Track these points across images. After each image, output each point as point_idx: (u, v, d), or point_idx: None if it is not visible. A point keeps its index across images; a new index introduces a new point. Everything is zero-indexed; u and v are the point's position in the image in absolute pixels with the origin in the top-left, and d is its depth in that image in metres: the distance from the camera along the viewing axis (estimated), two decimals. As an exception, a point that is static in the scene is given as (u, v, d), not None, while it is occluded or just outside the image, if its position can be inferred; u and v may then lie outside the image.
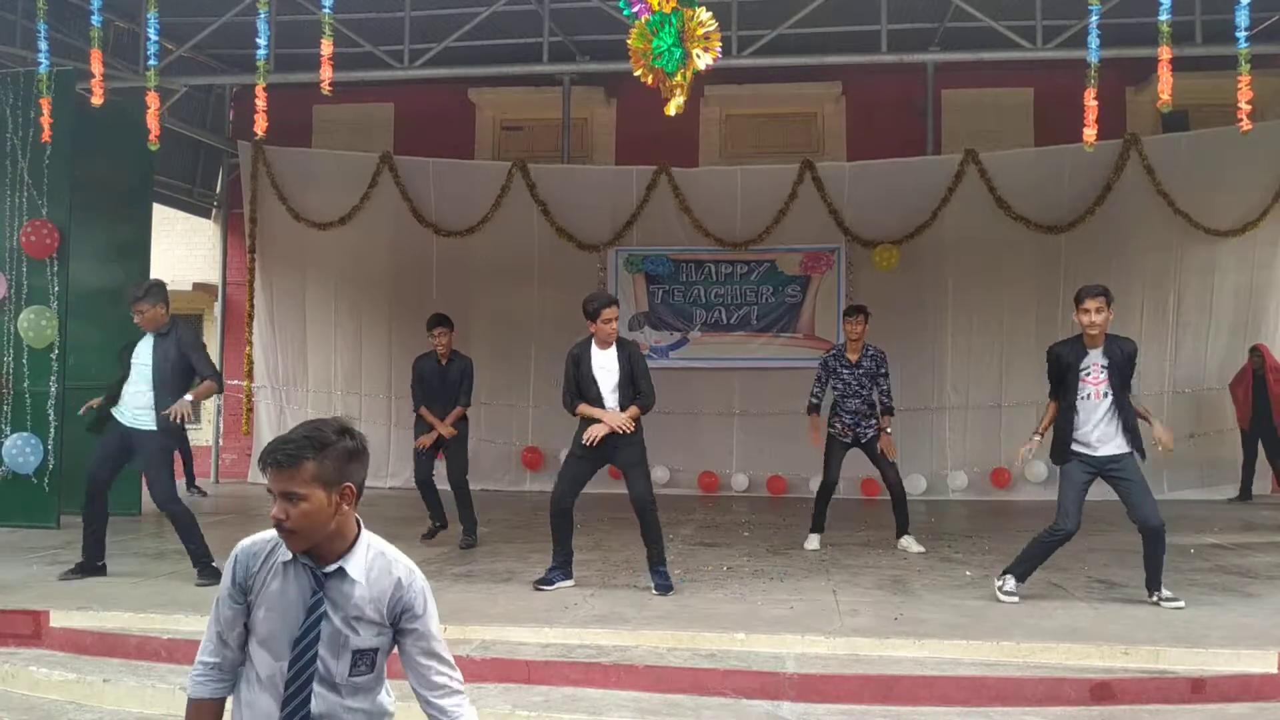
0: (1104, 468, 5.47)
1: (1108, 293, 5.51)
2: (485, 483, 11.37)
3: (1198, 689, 4.35)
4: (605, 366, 5.93)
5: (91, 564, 6.12)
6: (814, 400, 7.49)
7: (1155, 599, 5.45)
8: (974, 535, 8.11)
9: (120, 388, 6.09)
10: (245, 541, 2.26)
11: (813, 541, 7.45)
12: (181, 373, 6.03)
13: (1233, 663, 4.50)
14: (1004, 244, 10.77)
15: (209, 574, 5.90)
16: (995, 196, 10.68)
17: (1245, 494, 10.12)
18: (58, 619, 5.15)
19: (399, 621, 2.25)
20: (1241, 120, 5.92)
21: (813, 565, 6.77)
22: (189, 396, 5.97)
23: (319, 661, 2.17)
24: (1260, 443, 10.03)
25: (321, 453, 2.15)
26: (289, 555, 2.20)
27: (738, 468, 11.14)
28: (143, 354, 6.06)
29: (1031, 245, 10.72)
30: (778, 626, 5.00)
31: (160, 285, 6.23)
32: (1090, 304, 5.44)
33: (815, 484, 10.37)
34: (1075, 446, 5.50)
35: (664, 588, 5.80)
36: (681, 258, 11.40)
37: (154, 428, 5.98)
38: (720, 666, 4.53)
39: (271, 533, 2.22)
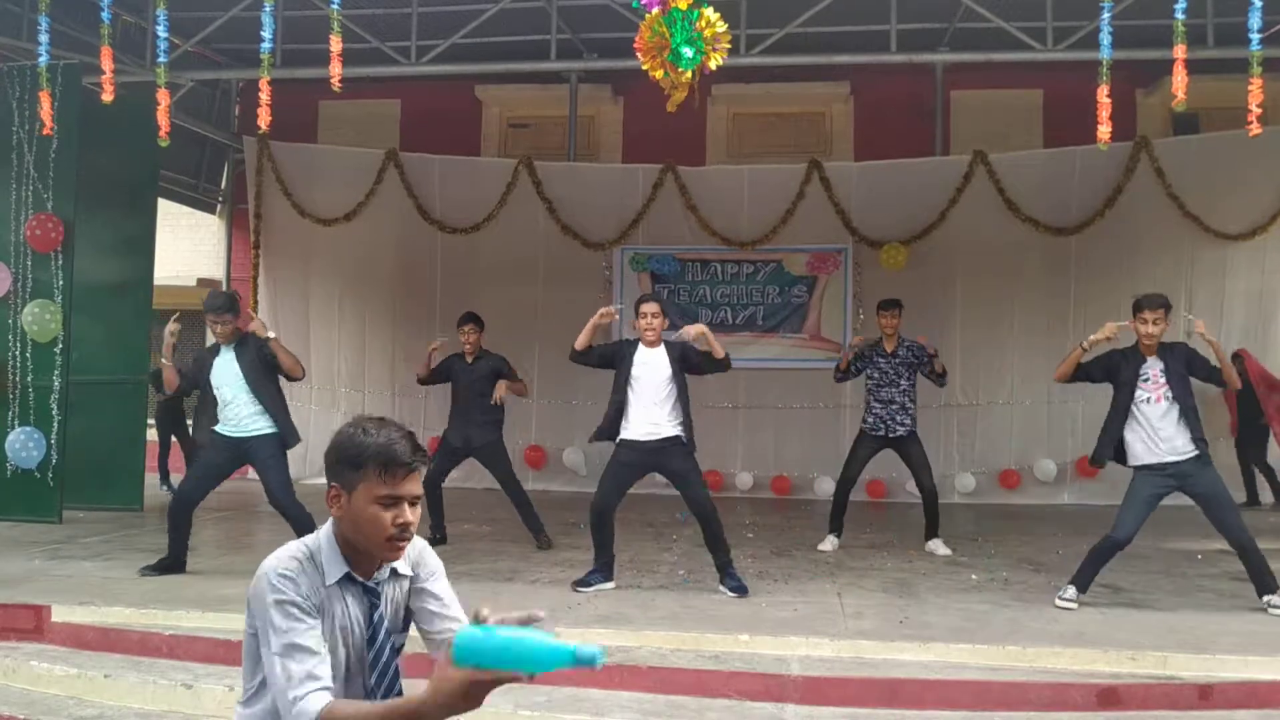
0: (1183, 482, 5.42)
1: (1168, 304, 5.51)
2: (488, 481, 11.32)
3: (1205, 696, 4.32)
4: (648, 363, 5.77)
5: (175, 560, 6.16)
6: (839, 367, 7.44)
7: (1266, 603, 5.41)
8: (980, 538, 8.07)
9: (212, 410, 6.20)
10: (285, 566, 2.01)
11: (829, 543, 7.35)
12: (269, 370, 6.11)
13: (1240, 670, 4.47)
14: (1013, 245, 10.71)
15: None
16: (1004, 198, 10.62)
17: (1253, 499, 10.07)
18: (59, 614, 5.13)
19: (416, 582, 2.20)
20: (1252, 124, 5.88)
21: (817, 567, 6.73)
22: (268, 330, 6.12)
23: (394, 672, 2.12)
24: (1247, 447, 9.98)
25: None
26: (336, 576, 2.05)
27: (742, 467, 11.10)
28: (226, 371, 6.06)
29: (1041, 247, 10.67)
30: (782, 628, 4.97)
31: (234, 296, 6.37)
32: (1148, 315, 5.45)
33: (820, 486, 10.42)
34: (1145, 459, 5.46)
35: (740, 589, 5.73)
36: (687, 257, 11.36)
37: (270, 430, 6.05)
38: (724, 668, 4.50)
39: (297, 553, 2.05)
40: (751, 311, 11.29)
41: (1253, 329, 10.58)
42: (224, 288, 12.66)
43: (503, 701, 4.26)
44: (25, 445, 7.93)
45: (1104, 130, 5.98)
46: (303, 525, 6.04)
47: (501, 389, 7.23)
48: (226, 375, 6.06)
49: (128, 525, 7.96)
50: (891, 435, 7.23)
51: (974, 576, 6.40)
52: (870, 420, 7.28)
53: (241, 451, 6.13)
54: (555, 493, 10.71)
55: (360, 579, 2.09)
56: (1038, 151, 11.06)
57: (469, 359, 7.39)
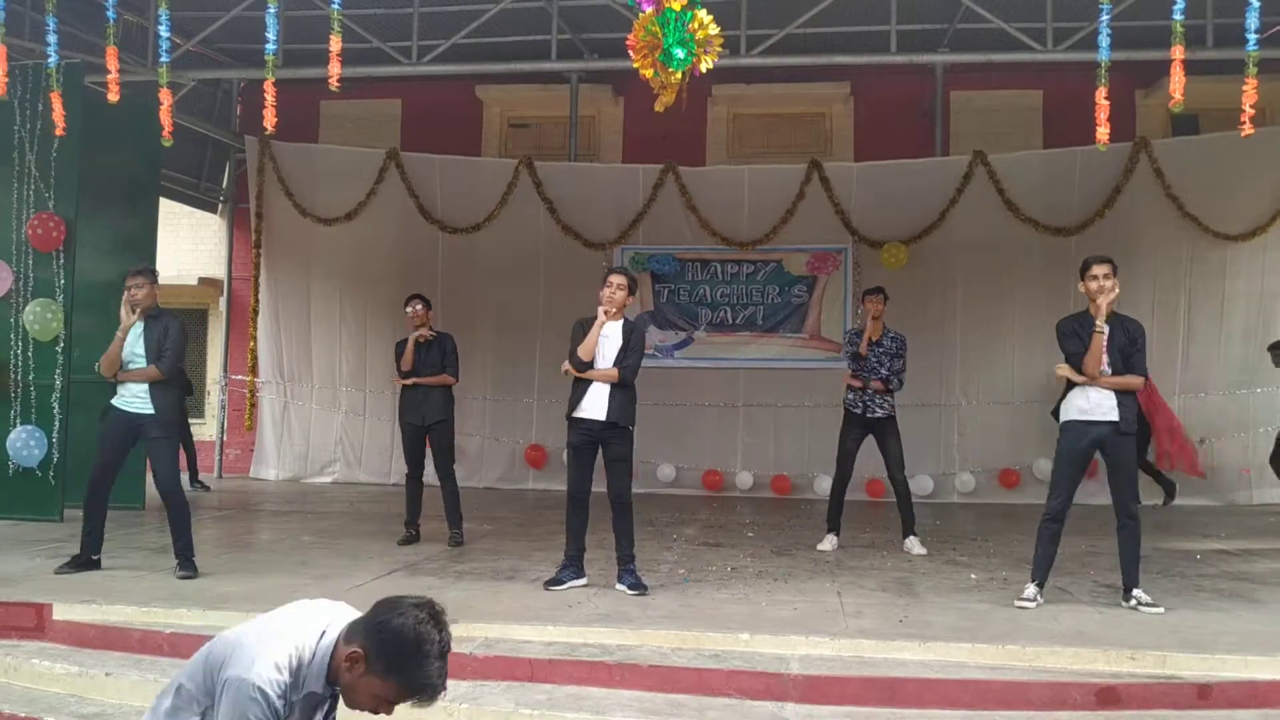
0: (1101, 444, 5.50)
1: (1113, 263, 5.52)
2: (488, 480, 11.37)
3: (1204, 695, 4.32)
4: (608, 335, 5.84)
5: (88, 558, 6.11)
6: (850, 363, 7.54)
7: (1133, 603, 5.41)
8: (979, 538, 8.08)
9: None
10: (275, 682, 2.23)
11: (827, 543, 7.36)
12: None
13: (1240, 669, 4.47)
14: (1013, 246, 10.73)
15: (189, 568, 5.98)
16: (1004, 199, 10.65)
17: (1170, 493, 10.08)
18: (60, 612, 5.14)
19: None
20: (1244, 124, 5.88)
21: (817, 566, 6.74)
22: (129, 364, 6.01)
23: None
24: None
25: None
26: (313, 689, 2.29)
27: (742, 467, 11.11)
28: (135, 344, 6.11)
29: (1040, 247, 10.69)
30: (782, 627, 4.98)
31: (153, 268, 6.31)
32: (1097, 270, 5.46)
33: (820, 485, 10.42)
34: (1072, 415, 5.55)
35: (637, 586, 5.74)
36: (687, 257, 11.38)
37: (153, 411, 6.03)
38: (724, 667, 4.50)
39: (286, 667, 2.25)
40: (751, 311, 11.31)
41: (1253, 329, 10.59)
42: (225, 288, 12.69)
43: (502, 700, 4.28)
44: (27, 444, 7.94)
45: (1102, 131, 5.98)
46: (178, 513, 6.03)
47: (431, 381, 7.40)
48: (135, 346, 6.07)
49: (128, 524, 7.96)
50: (870, 415, 7.29)
51: (974, 576, 6.41)
52: (850, 397, 7.39)
53: (134, 427, 6.08)
54: (556, 492, 10.70)
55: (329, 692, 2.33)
56: (1037, 152, 11.08)
57: (423, 339, 7.46)
